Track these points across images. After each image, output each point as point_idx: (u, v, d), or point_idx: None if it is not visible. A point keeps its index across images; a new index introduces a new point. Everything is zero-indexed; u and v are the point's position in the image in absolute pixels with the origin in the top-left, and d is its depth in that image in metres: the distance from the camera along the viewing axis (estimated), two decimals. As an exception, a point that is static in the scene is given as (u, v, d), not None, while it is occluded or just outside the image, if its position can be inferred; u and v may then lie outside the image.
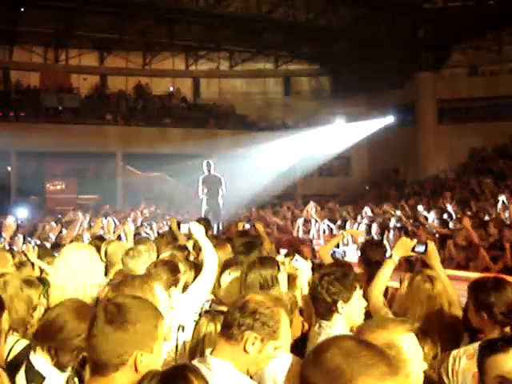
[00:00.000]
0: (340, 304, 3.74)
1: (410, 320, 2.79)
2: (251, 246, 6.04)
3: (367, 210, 16.59)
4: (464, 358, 3.36)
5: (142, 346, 2.35)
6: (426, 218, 13.62)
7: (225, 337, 2.85)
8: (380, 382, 1.70)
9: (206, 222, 8.89)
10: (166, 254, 5.74)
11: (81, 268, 4.16)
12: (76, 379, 3.21)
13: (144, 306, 2.46)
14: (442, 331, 3.89)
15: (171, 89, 37.30)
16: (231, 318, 2.86)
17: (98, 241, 7.86)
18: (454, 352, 3.45)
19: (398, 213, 15.04)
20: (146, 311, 2.42)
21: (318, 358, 1.77)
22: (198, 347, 3.49)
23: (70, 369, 3.17)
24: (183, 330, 3.90)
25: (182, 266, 4.94)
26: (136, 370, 2.34)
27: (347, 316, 3.73)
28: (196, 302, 4.56)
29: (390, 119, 33.69)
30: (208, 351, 2.96)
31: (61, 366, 3.17)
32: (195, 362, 2.95)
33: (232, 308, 2.93)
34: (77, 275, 4.14)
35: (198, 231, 5.17)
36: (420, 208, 16.47)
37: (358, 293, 3.80)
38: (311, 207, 16.69)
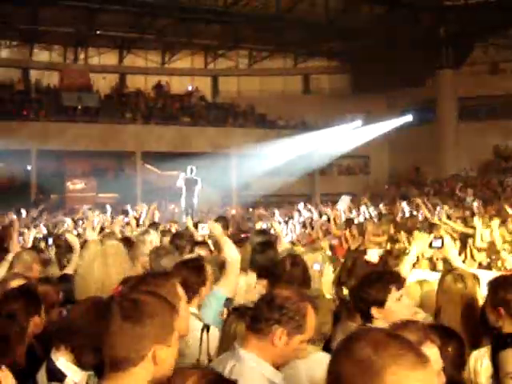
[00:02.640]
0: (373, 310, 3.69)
1: (427, 329, 2.72)
2: (267, 245, 6.02)
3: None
4: (486, 359, 3.31)
5: (160, 340, 2.35)
6: (449, 217, 13.47)
7: (253, 331, 2.89)
8: (410, 371, 1.69)
9: (224, 221, 8.87)
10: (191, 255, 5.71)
11: (115, 264, 4.14)
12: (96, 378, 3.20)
13: (158, 300, 2.46)
14: (476, 331, 3.84)
15: (189, 88, 37.39)
16: (259, 313, 2.90)
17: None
18: (475, 352, 3.42)
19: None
20: (160, 305, 2.42)
21: (347, 350, 1.76)
22: (229, 345, 3.46)
23: (91, 367, 3.15)
24: (208, 330, 3.87)
25: (208, 267, 4.90)
26: (155, 363, 2.34)
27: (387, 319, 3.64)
28: (221, 301, 4.55)
29: (409, 117, 33.59)
30: (236, 343, 2.97)
31: (82, 365, 3.16)
32: (225, 355, 3.01)
33: (259, 302, 2.97)
34: (111, 271, 4.12)
35: (218, 230, 5.17)
36: (439, 207, 16.32)
37: (395, 294, 3.71)
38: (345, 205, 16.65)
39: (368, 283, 3.78)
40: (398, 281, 3.80)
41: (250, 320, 2.97)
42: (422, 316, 4.31)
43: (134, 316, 2.33)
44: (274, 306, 2.86)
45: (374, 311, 3.69)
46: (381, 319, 3.66)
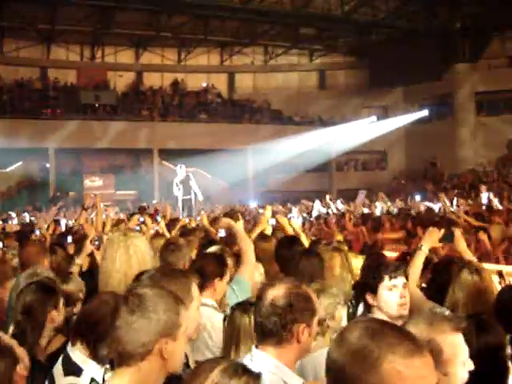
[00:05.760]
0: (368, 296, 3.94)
1: (459, 318, 2.74)
2: (293, 240, 6.06)
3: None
4: None
5: (166, 334, 2.38)
6: (467, 212, 13.42)
7: (273, 343, 2.79)
8: (407, 359, 1.72)
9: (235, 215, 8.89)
10: (213, 248, 5.75)
11: (137, 256, 4.19)
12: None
13: (164, 294, 2.48)
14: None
15: (204, 84, 37.35)
16: (271, 324, 2.77)
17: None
18: None
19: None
20: (166, 299, 2.44)
21: (344, 340, 1.80)
22: (232, 340, 3.50)
23: (107, 361, 3.19)
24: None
25: (229, 260, 4.99)
26: (162, 357, 2.38)
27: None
28: (243, 286, 4.62)
29: (425, 112, 33.44)
30: (254, 346, 2.93)
31: (99, 359, 3.19)
32: (242, 358, 2.95)
33: (263, 314, 2.83)
34: (133, 262, 4.16)
35: (228, 221, 5.28)
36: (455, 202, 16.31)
37: (387, 283, 3.89)
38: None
39: (365, 270, 3.95)
40: (393, 271, 3.90)
41: (262, 335, 2.84)
42: (439, 310, 4.32)
43: (140, 310, 2.37)
44: (282, 309, 2.77)
45: (369, 297, 3.89)
46: (376, 308, 3.81)
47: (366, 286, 4.00)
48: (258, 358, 2.80)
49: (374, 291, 3.88)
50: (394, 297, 3.84)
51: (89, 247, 6.21)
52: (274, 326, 2.77)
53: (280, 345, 2.77)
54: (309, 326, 2.81)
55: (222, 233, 7.32)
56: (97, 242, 6.38)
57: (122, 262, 4.13)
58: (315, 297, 2.95)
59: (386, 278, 3.86)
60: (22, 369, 2.55)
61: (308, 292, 2.89)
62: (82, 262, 6.17)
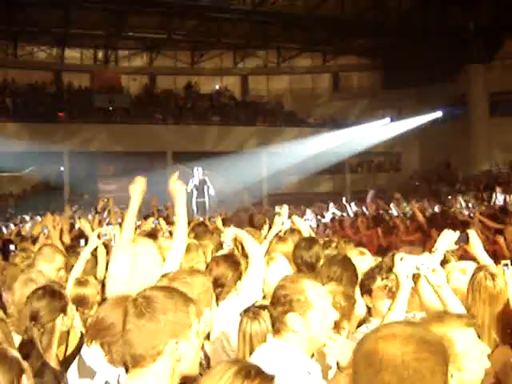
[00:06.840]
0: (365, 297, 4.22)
1: (470, 316, 2.75)
2: (312, 241, 6.04)
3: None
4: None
5: (176, 334, 2.39)
6: (481, 214, 13.33)
7: (277, 333, 3.05)
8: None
9: (262, 217, 8.88)
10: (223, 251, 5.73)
11: (144, 262, 4.17)
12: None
13: (171, 294, 2.48)
14: (505, 330, 3.83)
15: (217, 87, 37.40)
16: (272, 317, 3.11)
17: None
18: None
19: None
20: (174, 299, 2.45)
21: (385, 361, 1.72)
22: (245, 346, 3.48)
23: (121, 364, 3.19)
24: None
25: (242, 261, 4.98)
26: (174, 358, 2.39)
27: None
28: (254, 295, 4.61)
29: (439, 113, 33.28)
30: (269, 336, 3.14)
31: (113, 362, 3.19)
32: (259, 349, 3.13)
33: (269, 310, 3.18)
34: (140, 269, 4.15)
35: (237, 232, 5.28)
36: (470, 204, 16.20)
37: (379, 283, 4.04)
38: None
39: (365, 273, 4.15)
40: (385, 271, 4.01)
41: (272, 327, 3.13)
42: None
43: (148, 312, 2.38)
44: (276, 302, 3.02)
45: (366, 299, 4.05)
46: (373, 309, 3.95)
47: (363, 287, 4.12)
48: (272, 345, 3.01)
49: (370, 292, 3.99)
50: (386, 296, 3.89)
51: (96, 241, 6.14)
52: (274, 318, 3.06)
53: (280, 334, 3.01)
54: (302, 315, 2.96)
55: (227, 243, 7.28)
56: (106, 237, 6.26)
57: (127, 271, 4.12)
58: (311, 287, 3.04)
59: (378, 278, 3.97)
60: (26, 379, 2.56)
61: (300, 283, 3.04)
62: (88, 256, 6.04)
